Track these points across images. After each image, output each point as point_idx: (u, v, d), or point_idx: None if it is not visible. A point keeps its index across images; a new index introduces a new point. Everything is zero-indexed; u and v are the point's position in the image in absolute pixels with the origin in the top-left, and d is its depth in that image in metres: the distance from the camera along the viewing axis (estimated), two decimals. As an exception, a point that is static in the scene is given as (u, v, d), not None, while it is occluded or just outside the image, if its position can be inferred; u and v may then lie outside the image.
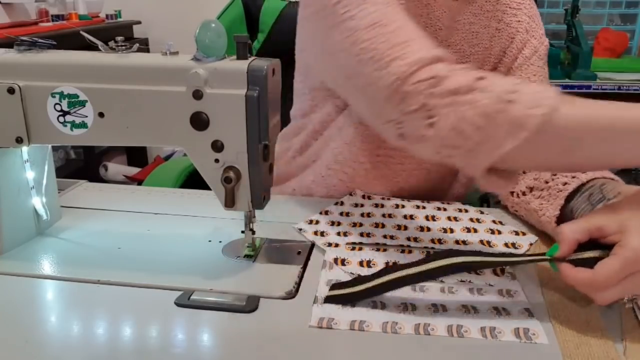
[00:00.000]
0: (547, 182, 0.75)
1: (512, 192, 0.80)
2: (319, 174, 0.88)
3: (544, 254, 0.55)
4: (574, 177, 0.72)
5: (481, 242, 0.70)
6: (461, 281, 0.61)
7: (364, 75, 0.63)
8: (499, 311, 0.55)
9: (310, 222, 0.76)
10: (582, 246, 0.53)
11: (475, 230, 0.73)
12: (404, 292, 0.59)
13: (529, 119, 0.52)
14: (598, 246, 0.53)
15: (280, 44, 1.27)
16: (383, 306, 0.56)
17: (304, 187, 0.89)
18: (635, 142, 0.53)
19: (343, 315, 0.55)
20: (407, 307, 0.56)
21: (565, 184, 0.72)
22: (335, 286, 0.60)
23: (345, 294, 0.58)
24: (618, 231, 0.52)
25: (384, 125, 0.64)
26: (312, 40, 0.78)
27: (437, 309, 0.56)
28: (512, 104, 0.53)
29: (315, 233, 0.72)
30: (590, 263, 0.52)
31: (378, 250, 0.68)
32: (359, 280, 0.60)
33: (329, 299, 0.57)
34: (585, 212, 0.66)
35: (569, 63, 2.09)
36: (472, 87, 0.56)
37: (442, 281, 0.61)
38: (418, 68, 0.58)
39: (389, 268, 0.60)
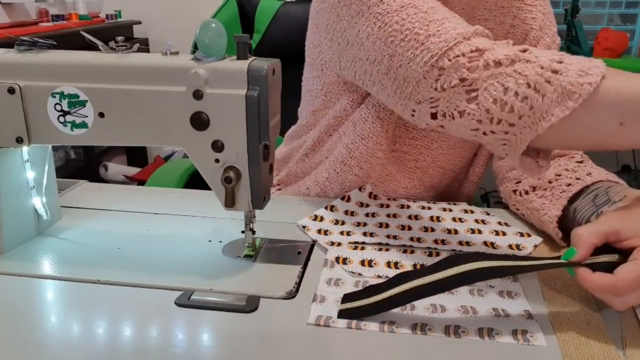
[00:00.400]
0: (550, 182, 0.75)
1: (514, 191, 0.80)
2: (333, 170, 0.87)
3: (558, 258, 0.54)
4: (578, 179, 0.72)
5: (485, 243, 0.70)
6: (461, 281, 0.61)
7: (397, 56, 0.62)
8: (498, 312, 0.55)
9: (315, 218, 0.76)
10: (596, 250, 0.53)
11: (480, 232, 0.73)
12: None
13: (578, 88, 0.50)
14: (612, 250, 0.52)
15: (277, 44, 1.27)
16: None
17: (319, 185, 0.89)
18: None
19: None
20: (406, 306, 0.56)
21: (569, 185, 0.72)
22: (347, 297, 0.57)
23: (358, 307, 0.55)
24: (634, 236, 0.51)
25: (417, 106, 0.62)
26: (331, 32, 0.77)
27: (436, 309, 0.56)
28: (559, 73, 0.51)
29: (319, 231, 0.73)
30: (605, 268, 0.51)
31: (380, 250, 0.68)
32: (372, 290, 0.56)
33: (342, 314, 0.54)
34: (589, 214, 0.66)
35: (569, 63, 2.09)
36: (516, 58, 0.54)
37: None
38: (457, 42, 0.57)
39: (404, 275, 0.56)
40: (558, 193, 0.72)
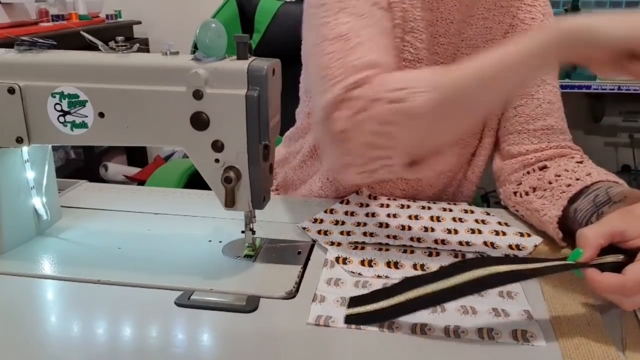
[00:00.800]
0: (550, 183, 0.75)
1: (515, 193, 0.80)
2: (326, 178, 0.88)
3: (565, 259, 0.54)
4: (578, 180, 0.71)
5: (485, 243, 0.70)
6: (461, 281, 0.61)
7: (312, 86, 0.68)
8: (498, 313, 0.55)
9: (315, 220, 0.76)
10: (602, 251, 0.52)
11: (480, 232, 0.73)
12: None
13: (421, 107, 0.58)
14: (617, 251, 0.52)
15: (276, 44, 1.27)
16: None
17: (314, 193, 0.90)
18: (514, 76, 0.60)
19: (341, 313, 0.55)
20: None
21: (569, 185, 0.72)
22: (353, 301, 0.56)
23: (367, 313, 0.54)
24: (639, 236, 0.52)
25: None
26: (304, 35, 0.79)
27: (436, 309, 0.56)
28: (402, 101, 0.58)
29: (319, 232, 0.73)
30: (612, 268, 0.51)
31: (380, 250, 0.68)
32: (381, 294, 0.55)
33: (349, 319, 0.54)
34: (589, 214, 0.66)
35: (569, 63, 2.09)
36: (371, 99, 0.60)
37: (442, 281, 0.61)
38: (345, 92, 0.62)
39: (413, 280, 0.55)
40: (558, 194, 0.72)
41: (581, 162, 0.77)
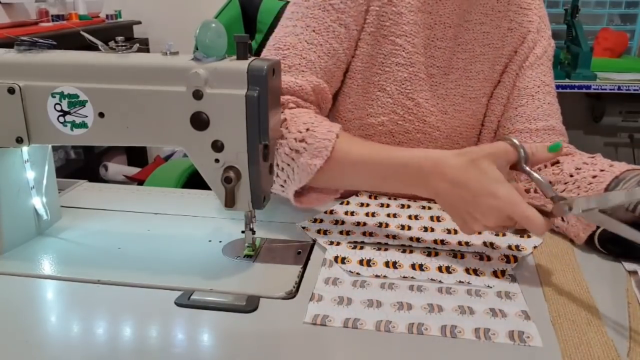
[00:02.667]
0: (572, 176, 0.73)
1: (527, 190, 0.79)
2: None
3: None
4: (602, 171, 0.70)
5: (484, 243, 0.70)
6: (460, 282, 0.61)
7: None
8: (495, 313, 0.55)
9: (315, 220, 0.76)
10: None
11: (480, 232, 0.73)
12: (401, 292, 0.59)
13: (310, 167, 0.67)
14: None
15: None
16: (379, 305, 0.56)
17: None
18: (396, 179, 0.66)
19: (338, 312, 0.55)
20: (403, 306, 0.56)
21: (594, 176, 0.70)
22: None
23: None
24: None
25: None
26: None
27: (433, 309, 0.56)
28: (299, 154, 0.67)
29: (319, 231, 0.73)
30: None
31: (379, 249, 0.68)
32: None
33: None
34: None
35: (569, 63, 2.09)
36: (280, 134, 0.69)
37: (440, 282, 0.61)
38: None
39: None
40: (585, 185, 0.70)
41: (594, 158, 0.77)
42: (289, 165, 0.69)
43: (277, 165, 0.70)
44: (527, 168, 0.61)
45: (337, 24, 0.77)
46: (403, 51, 0.80)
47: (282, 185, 0.72)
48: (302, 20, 0.77)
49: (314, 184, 0.71)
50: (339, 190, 0.76)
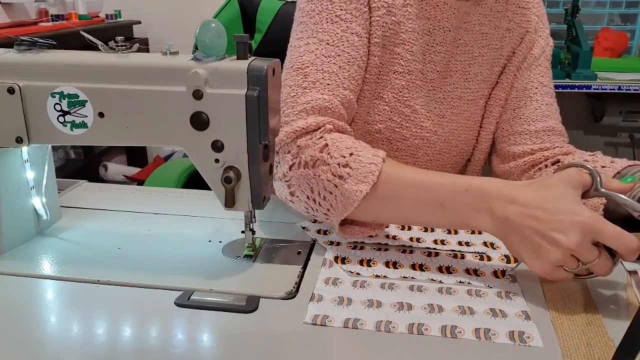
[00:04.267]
0: None
1: None
2: None
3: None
4: (604, 167, 0.71)
5: (484, 243, 0.70)
6: (460, 282, 0.61)
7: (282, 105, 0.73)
8: (495, 313, 0.55)
9: (315, 220, 0.76)
10: None
11: (480, 232, 0.73)
12: (401, 292, 0.59)
13: (356, 194, 0.63)
14: None
15: (278, 44, 1.27)
16: (379, 305, 0.56)
17: None
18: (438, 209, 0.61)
19: (338, 313, 0.55)
20: (403, 306, 0.56)
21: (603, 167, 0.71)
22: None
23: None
24: None
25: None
26: None
27: (433, 309, 0.56)
28: (343, 179, 0.64)
29: (318, 231, 0.73)
30: None
31: (379, 249, 0.68)
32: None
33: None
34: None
35: (569, 63, 2.09)
36: (317, 159, 0.66)
37: (441, 282, 0.61)
38: (292, 139, 0.68)
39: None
40: None
41: (594, 155, 0.77)
42: (331, 193, 0.65)
43: (319, 193, 0.66)
44: (605, 190, 0.56)
45: (349, 32, 0.75)
46: (401, 59, 0.80)
47: (325, 214, 0.68)
48: (313, 36, 0.75)
49: (361, 217, 0.67)
50: (384, 225, 0.71)
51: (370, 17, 0.77)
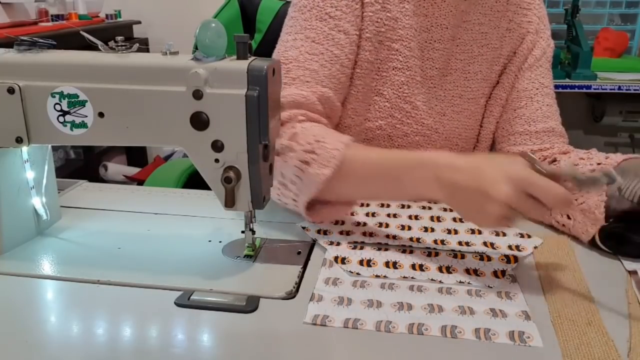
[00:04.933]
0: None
1: None
2: None
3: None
4: (599, 164, 0.71)
5: (484, 243, 0.70)
6: (460, 282, 0.61)
7: None
8: (495, 313, 0.55)
9: None
10: None
11: (480, 232, 0.73)
12: (401, 292, 0.59)
13: (319, 177, 0.66)
14: None
15: (278, 44, 1.27)
16: (379, 305, 0.56)
17: None
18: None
19: (338, 313, 0.55)
20: (403, 306, 0.56)
21: (593, 170, 0.71)
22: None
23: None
24: None
25: None
26: None
27: (433, 309, 0.56)
28: (308, 164, 0.67)
29: (318, 231, 0.73)
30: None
31: (379, 249, 0.68)
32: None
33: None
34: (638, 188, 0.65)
35: (569, 63, 2.09)
36: (286, 147, 0.69)
37: (441, 282, 0.61)
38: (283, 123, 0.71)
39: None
40: None
41: (589, 152, 0.77)
42: (298, 177, 0.68)
43: (287, 178, 0.70)
44: (545, 169, 0.59)
45: (336, 30, 0.77)
46: (400, 55, 0.80)
47: (294, 200, 0.71)
48: (301, 32, 0.77)
49: (328, 197, 0.70)
50: (352, 204, 0.75)
51: (363, 13, 0.78)
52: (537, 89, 0.85)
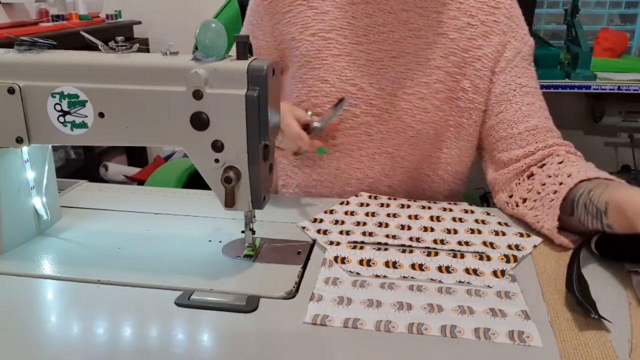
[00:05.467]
0: (539, 193, 0.75)
1: (507, 203, 0.81)
2: (285, 174, 0.95)
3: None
4: (561, 184, 0.71)
5: (484, 243, 0.70)
6: (460, 282, 0.61)
7: None
8: (495, 313, 0.55)
9: (315, 220, 0.76)
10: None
11: (479, 232, 0.73)
12: (401, 292, 0.59)
13: None
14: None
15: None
16: (379, 304, 0.56)
17: (274, 189, 0.98)
18: None
19: (338, 312, 0.55)
20: (403, 306, 0.56)
21: (555, 192, 0.72)
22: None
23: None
24: None
25: None
26: None
27: (433, 308, 0.56)
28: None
29: (318, 231, 0.73)
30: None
31: (379, 249, 0.68)
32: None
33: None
34: (592, 223, 0.66)
35: (568, 63, 2.09)
36: None
37: (440, 281, 0.61)
38: None
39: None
40: (548, 202, 0.72)
41: (561, 162, 0.77)
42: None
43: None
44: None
45: (253, 36, 0.91)
46: (337, 43, 0.85)
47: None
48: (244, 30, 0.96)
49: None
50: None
51: (273, 20, 0.89)
52: (514, 90, 0.84)
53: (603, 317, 0.53)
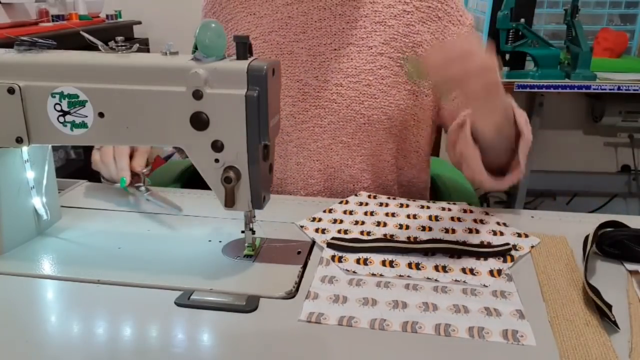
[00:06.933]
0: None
1: (454, 155, 0.84)
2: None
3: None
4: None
5: (481, 243, 0.70)
6: (455, 281, 0.61)
7: None
8: (489, 312, 0.55)
9: (313, 219, 0.76)
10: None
11: (477, 231, 0.73)
12: (397, 291, 0.59)
13: None
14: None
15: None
16: (374, 303, 0.57)
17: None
18: None
19: (333, 310, 0.55)
20: (398, 304, 0.56)
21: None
22: (335, 240, 0.69)
23: (342, 245, 0.68)
24: None
25: None
26: None
27: (428, 307, 0.56)
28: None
29: (317, 230, 0.73)
30: None
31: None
32: (356, 241, 0.69)
33: (330, 245, 0.68)
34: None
35: (568, 63, 2.09)
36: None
37: (436, 280, 0.61)
38: None
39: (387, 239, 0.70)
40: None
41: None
42: None
43: None
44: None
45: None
46: (277, 44, 0.89)
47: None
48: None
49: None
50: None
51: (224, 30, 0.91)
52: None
53: (616, 324, 0.53)
